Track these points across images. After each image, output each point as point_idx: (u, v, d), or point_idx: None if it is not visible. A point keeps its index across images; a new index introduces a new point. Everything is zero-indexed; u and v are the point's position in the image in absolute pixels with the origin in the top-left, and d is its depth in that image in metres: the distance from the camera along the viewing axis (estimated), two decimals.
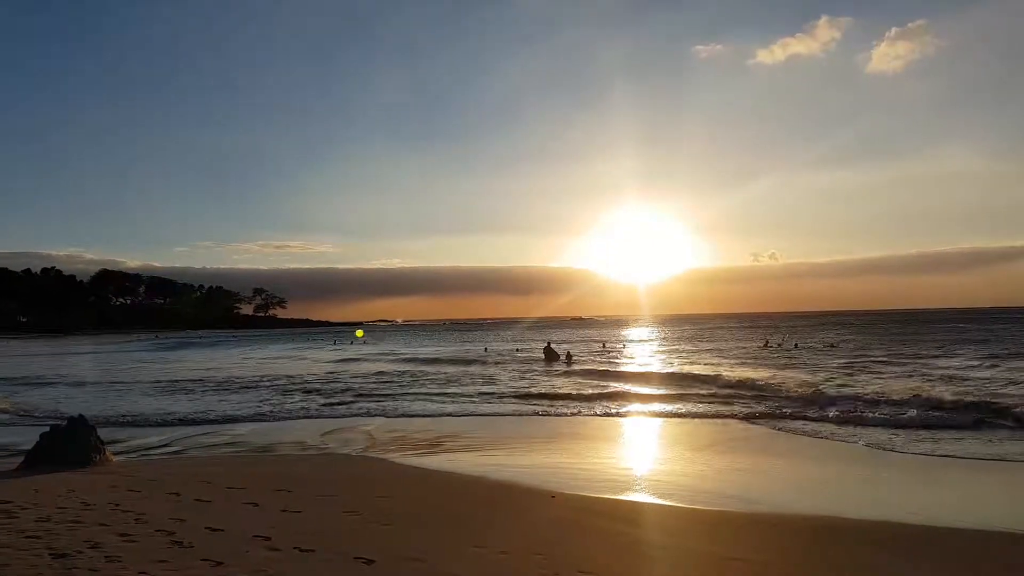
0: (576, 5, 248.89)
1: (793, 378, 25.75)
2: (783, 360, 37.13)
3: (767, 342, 53.13)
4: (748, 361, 37.56)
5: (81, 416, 12.27)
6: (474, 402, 22.72)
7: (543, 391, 24.92)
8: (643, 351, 51.05)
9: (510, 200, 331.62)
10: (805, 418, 17.62)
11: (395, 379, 31.78)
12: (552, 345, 44.22)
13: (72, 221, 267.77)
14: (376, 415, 20.10)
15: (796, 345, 50.31)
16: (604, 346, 57.29)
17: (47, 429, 11.95)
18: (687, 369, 31.72)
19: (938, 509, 9.42)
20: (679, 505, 9.64)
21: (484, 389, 26.38)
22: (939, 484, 11.36)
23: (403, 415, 20.14)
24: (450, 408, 21.27)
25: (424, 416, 19.72)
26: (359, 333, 58.49)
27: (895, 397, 19.66)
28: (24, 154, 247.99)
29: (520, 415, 19.65)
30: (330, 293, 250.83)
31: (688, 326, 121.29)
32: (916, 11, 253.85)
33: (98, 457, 11.96)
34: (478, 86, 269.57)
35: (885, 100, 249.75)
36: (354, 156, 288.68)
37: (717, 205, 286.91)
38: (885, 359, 35.69)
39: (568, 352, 42.78)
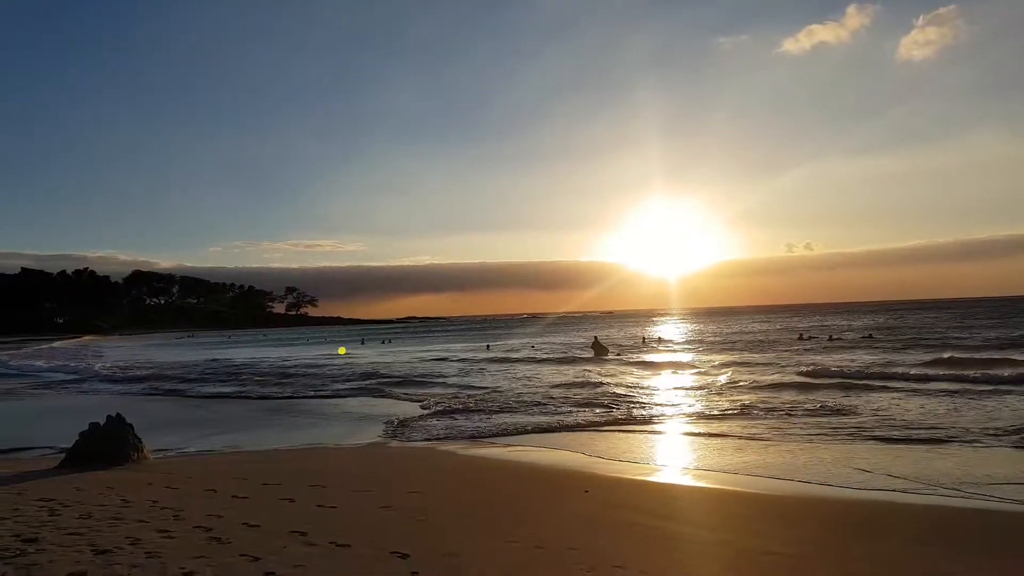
0: (597, 3, 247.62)
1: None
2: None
3: (801, 335, 53.26)
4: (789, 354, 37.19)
5: (119, 415, 12.48)
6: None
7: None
8: (681, 346, 50.18)
9: (538, 197, 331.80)
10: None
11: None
12: (599, 339, 44.53)
13: (106, 223, 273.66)
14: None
15: (831, 337, 49.78)
16: (644, 340, 57.18)
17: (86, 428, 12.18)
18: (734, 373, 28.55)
19: None
20: (714, 486, 9.55)
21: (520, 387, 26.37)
22: None
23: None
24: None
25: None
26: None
27: None
28: (58, 160, 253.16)
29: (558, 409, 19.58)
30: (360, 291, 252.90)
31: (721, 319, 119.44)
32: None
33: (136, 455, 12.17)
34: (503, 85, 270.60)
35: (917, 87, 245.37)
36: (383, 156, 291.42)
37: (748, 196, 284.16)
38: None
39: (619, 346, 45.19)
